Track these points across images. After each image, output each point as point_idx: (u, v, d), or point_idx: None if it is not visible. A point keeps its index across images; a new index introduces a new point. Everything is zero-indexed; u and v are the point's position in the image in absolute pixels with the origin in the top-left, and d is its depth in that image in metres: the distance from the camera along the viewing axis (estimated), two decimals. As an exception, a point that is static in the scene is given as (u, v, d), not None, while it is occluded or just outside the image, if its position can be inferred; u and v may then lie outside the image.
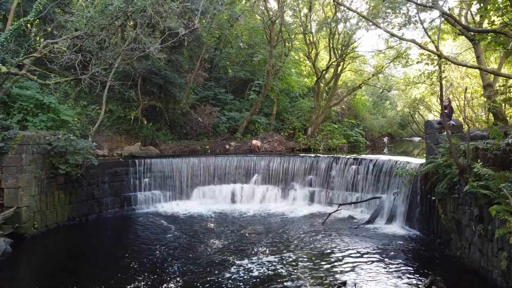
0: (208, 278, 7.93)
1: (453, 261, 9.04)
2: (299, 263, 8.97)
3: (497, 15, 6.26)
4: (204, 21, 18.16)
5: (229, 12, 22.39)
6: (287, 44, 25.22)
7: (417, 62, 7.75)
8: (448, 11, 9.87)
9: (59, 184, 12.30)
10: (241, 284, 7.66)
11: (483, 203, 7.51)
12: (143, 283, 7.69)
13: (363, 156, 15.92)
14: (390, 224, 12.37)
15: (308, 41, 25.06)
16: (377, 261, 9.08)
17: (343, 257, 9.41)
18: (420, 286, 7.54)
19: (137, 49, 11.51)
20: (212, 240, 10.74)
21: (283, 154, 18.97)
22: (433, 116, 47.84)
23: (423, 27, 7.43)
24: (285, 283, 7.74)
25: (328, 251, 9.89)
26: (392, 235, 11.39)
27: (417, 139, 46.87)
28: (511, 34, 5.77)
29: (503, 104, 13.34)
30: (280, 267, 8.61)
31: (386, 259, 9.21)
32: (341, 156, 16.32)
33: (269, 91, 23.92)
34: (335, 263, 8.96)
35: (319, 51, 27.14)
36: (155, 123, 20.57)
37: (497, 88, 12.09)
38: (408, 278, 8.07)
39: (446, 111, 11.06)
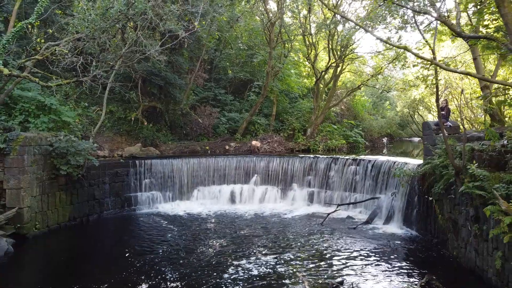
0: (208, 278, 8.04)
1: (450, 261, 9.16)
2: (298, 263, 9.09)
3: (492, 18, 6.38)
4: (204, 22, 18.27)
5: (229, 14, 22.51)
6: (286, 45, 25.35)
7: (413, 66, 7.88)
8: (446, 13, 10.01)
9: (60, 184, 12.43)
10: (240, 284, 7.78)
11: (479, 203, 7.63)
12: (143, 284, 7.81)
13: (362, 156, 16.05)
14: (388, 224, 12.49)
15: (307, 42, 25.19)
16: (374, 261, 9.20)
17: (341, 257, 9.53)
18: (416, 285, 7.66)
19: (137, 52, 11.64)
20: (211, 241, 10.86)
21: (283, 154, 19.09)
22: (432, 116, 47.98)
23: (420, 31, 7.55)
24: (284, 283, 7.85)
25: (327, 251, 10.00)
26: (390, 235, 11.50)
27: (416, 139, 46.96)
28: (502, 40, 5.90)
29: (502, 106, 13.46)
30: (279, 267, 8.73)
31: (383, 259, 9.32)
32: (340, 156, 16.44)
33: (269, 92, 24.05)
34: (333, 263, 9.08)
35: (318, 52, 27.27)
36: (156, 124, 20.70)
37: (494, 89, 12.21)
38: (405, 277, 8.19)
39: (443, 112, 11.19)
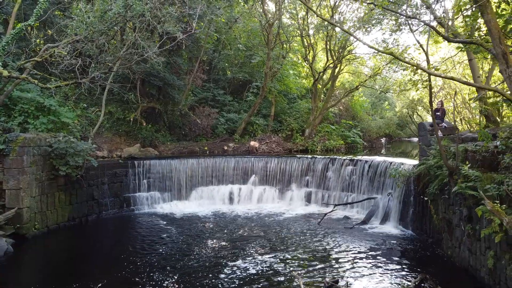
0: (205, 278, 8.14)
1: (444, 260, 9.28)
2: (294, 262, 9.20)
3: (484, 22, 6.49)
4: (202, 24, 18.38)
5: (227, 15, 22.63)
6: (285, 46, 25.46)
7: (404, 69, 8.00)
8: (442, 14, 10.10)
9: (60, 185, 12.53)
10: (237, 282, 7.89)
11: (471, 203, 7.74)
12: (142, 284, 7.90)
13: (359, 157, 16.16)
14: (384, 224, 12.61)
15: (305, 43, 25.31)
16: (370, 260, 9.31)
17: (338, 256, 9.64)
18: (411, 284, 7.77)
19: (135, 54, 11.73)
20: (209, 241, 10.97)
21: (281, 155, 19.20)
22: (431, 116, 48.03)
23: (413, 34, 7.66)
24: (280, 282, 7.97)
25: (323, 250, 10.11)
26: (386, 234, 11.62)
27: (416, 139, 47.09)
28: (486, 45, 6.01)
29: (498, 106, 13.57)
30: (276, 266, 8.83)
31: (379, 258, 9.44)
32: (337, 157, 16.55)
33: (267, 92, 24.16)
34: (330, 262, 9.19)
35: (316, 53, 27.38)
36: (154, 125, 20.80)
37: (488, 91, 12.32)
38: (400, 276, 8.30)
39: (438, 113, 11.32)
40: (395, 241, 10.93)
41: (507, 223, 5.77)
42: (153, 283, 7.90)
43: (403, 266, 8.95)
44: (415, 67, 7.23)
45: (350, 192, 15.07)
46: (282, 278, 8.14)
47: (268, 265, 8.90)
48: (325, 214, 13.48)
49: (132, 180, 15.26)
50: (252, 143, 21.66)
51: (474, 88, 30.78)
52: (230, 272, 8.44)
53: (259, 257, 9.43)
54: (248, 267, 8.71)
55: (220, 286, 7.74)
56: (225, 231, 12.07)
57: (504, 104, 9.53)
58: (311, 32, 25.16)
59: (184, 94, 21.54)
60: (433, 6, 9.06)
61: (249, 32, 25.98)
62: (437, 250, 9.90)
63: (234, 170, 17.23)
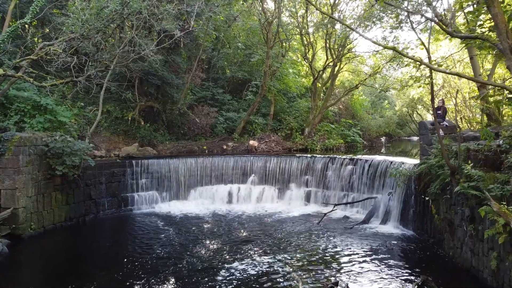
0: (203, 280, 8.01)
1: (446, 261, 9.14)
2: (294, 263, 9.06)
3: (487, 18, 6.34)
4: (200, 22, 18.22)
5: (226, 13, 22.47)
6: (284, 44, 25.32)
7: (406, 65, 7.85)
8: (443, 11, 9.97)
9: (56, 185, 12.38)
10: (235, 284, 7.75)
11: (474, 203, 7.61)
12: (139, 285, 7.77)
13: (359, 156, 16.03)
14: (384, 224, 12.47)
15: (305, 41, 25.15)
16: (370, 261, 9.18)
17: (337, 257, 9.51)
18: (412, 285, 7.64)
19: (133, 51, 11.56)
20: (208, 241, 10.83)
21: (280, 154, 19.06)
22: (431, 115, 47.95)
23: (414, 31, 7.52)
24: (279, 283, 7.83)
25: (323, 251, 9.98)
26: (386, 235, 11.48)
27: (415, 138, 46.94)
28: (493, 40, 5.85)
29: (498, 105, 13.44)
30: (275, 267, 8.70)
31: (379, 259, 9.30)
32: (337, 156, 16.41)
33: (267, 91, 24.01)
34: (329, 263, 9.06)
35: (316, 52, 27.22)
36: (153, 124, 20.64)
37: (491, 89, 12.19)
38: (401, 277, 8.17)
39: (439, 112, 11.18)
40: (395, 242, 10.79)
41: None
42: (150, 284, 7.76)
43: (404, 267, 8.81)
44: (418, 64, 7.07)
45: (350, 191, 14.93)
46: (281, 280, 8.00)
47: (267, 266, 8.76)
48: (325, 214, 13.34)
49: (130, 180, 15.11)
50: (251, 142, 21.52)
51: (474, 87, 30.67)
52: (228, 274, 8.30)
53: (258, 258, 9.29)
54: (246, 269, 8.58)
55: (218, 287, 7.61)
56: (224, 231, 11.93)
57: (505, 103, 9.35)
58: (310, 30, 24.98)
59: (183, 93, 21.39)
60: (434, 3, 8.93)
61: (248, 31, 25.82)
62: (439, 250, 9.77)
63: (233, 169, 17.09)
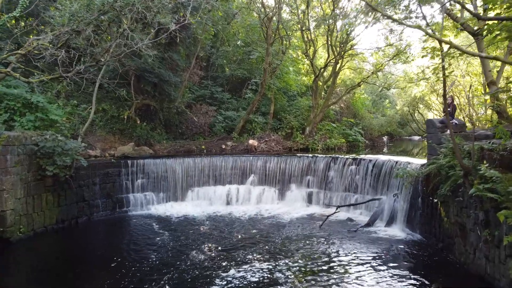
0: (200, 286, 7.51)
1: (457, 267, 8.62)
2: (295, 269, 8.54)
3: (507, 5, 5.80)
4: (198, 17, 17.68)
5: (224, 8, 21.94)
6: (284, 41, 24.79)
7: (422, 57, 7.30)
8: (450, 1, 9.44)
9: (47, 186, 11.87)
10: (233, 293, 7.24)
11: (490, 207, 7.08)
12: (129, 293, 7.27)
13: (362, 156, 15.50)
14: (390, 227, 11.95)
15: (306, 38, 24.61)
16: (376, 267, 8.66)
17: (341, 263, 8.99)
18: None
19: (125, 45, 11.00)
20: (205, 245, 10.30)
21: (280, 154, 18.54)
22: (433, 114, 47.53)
23: (426, 21, 7.00)
24: (279, 292, 7.32)
25: (326, 256, 9.45)
26: (392, 238, 10.96)
27: (416, 138, 46.45)
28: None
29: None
30: (275, 274, 8.18)
31: (386, 265, 8.78)
32: (340, 156, 15.89)
33: (266, 89, 23.47)
34: (333, 270, 8.54)
35: (317, 49, 26.69)
36: (150, 123, 20.10)
37: (501, 85, 11.67)
38: (410, 285, 7.65)
39: (449, 109, 10.65)
40: (402, 246, 10.26)
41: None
42: (142, 294, 7.26)
43: (412, 274, 8.28)
44: (436, 51, 6.53)
45: (353, 192, 14.41)
46: (282, 288, 7.49)
47: (267, 274, 8.24)
48: (328, 216, 12.81)
49: (125, 180, 14.59)
50: (250, 141, 20.99)
51: (478, 86, 30.18)
52: (225, 282, 7.77)
53: (257, 265, 8.76)
54: (245, 276, 8.05)
55: (214, 297, 7.10)
56: (222, 235, 11.40)
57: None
58: (312, 25, 24.41)
59: (181, 91, 20.85)
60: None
61: (248, 28, 25.28)
62: (448, 255, 9.23)
63: (232, 169, 16.56)
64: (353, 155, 16.26)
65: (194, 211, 14.39)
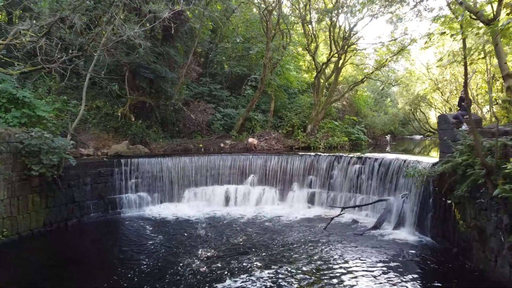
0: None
1: (475, 275, 7.89)
2: (298, 276, 7.82)
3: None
4: (195, 10, 16.94)
5: (224, 2, 21.20)
6: (285, 38, 24.04)
7: (441, 34, 6.55)
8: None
9: (33, 186, 11.13)
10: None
11: (516, 209, 6.37)
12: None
13: (367, 154, 14.77)
14: (398, 230, 11.22)
15: (307, 32, 23.85)
16: (387, 275, 7.93)
17: (347, 269, 8.27)
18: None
19: (116, 34, 10.25)
20: (201, 250, 9.58)
21: (281, 153, 17.82)
22: (435, 113, 46.84)
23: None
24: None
25: (331, 262, 8.74)
26: (402, 242, 10.23)
27: (418, 137, 45.74)
28: None
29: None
30: (276, 282, 7.46)
31: (396, 272, 8.07)
32: (343, 154, 15.17)
33: (267, 86, 22.74)
34: (338, 277, 7.82)
35: (319, 44, 25.95)
36: (145, 120, 19.37)
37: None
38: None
39: (463, 103, 9.93)
40: (413, 250, 9.54)
41: None
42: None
43: (426, 282, 7.58)
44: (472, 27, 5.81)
45: (358, 193, 13.69)
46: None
47: (268, 280, 7.53)
48: (332, 218, 12.09)
49: (118, 180, 13.88)
50: (250, 140, 20.26)
51: (482, 84, 29.48)
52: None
53: (257, 272, 8.04)
54: (245, 286, 7.33)
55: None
56: (219, 238, 10.68)
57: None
58: (313, 19, 23.63)
59: (178, 88, 20.11)
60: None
61: (247, 23, 24.54)
62: (465, 262, 8.50)
63: (230, 169, 15.84)
64: (358, 153, 15.53)
65: (190, 212, 13.67)
